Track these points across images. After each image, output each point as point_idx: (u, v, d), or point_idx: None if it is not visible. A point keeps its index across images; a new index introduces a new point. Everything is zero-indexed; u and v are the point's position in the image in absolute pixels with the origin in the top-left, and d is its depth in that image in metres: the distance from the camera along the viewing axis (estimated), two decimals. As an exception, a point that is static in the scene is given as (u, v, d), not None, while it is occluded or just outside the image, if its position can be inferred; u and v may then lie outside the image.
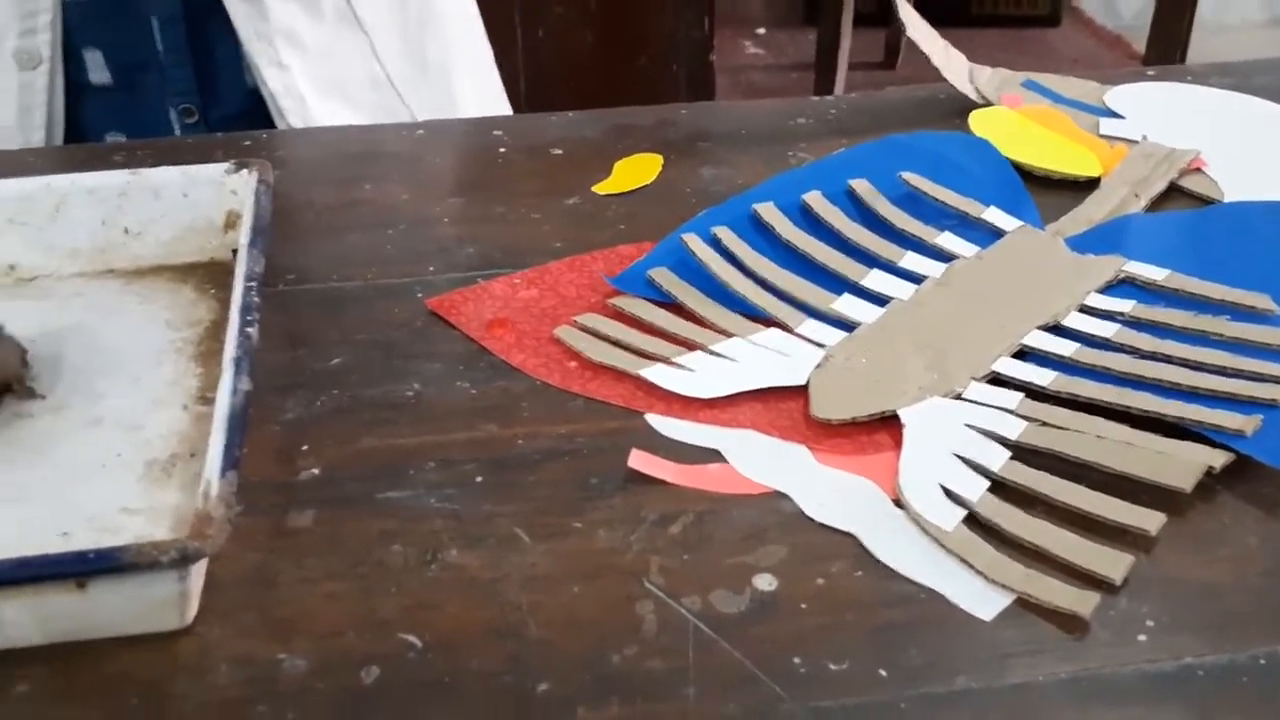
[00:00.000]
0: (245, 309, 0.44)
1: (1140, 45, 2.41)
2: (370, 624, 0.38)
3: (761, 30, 2.45)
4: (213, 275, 0.54)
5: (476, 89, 0.84)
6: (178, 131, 0.72)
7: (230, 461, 0.37)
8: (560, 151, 0.67)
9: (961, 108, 0.70)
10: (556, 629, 0.37)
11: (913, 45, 2.40)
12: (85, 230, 0.53)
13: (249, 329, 0.43)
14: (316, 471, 0.44)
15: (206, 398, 0.46)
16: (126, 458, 0.43)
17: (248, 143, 0.66)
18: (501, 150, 0.67)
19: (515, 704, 0.35)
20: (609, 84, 1.25)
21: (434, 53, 0.79)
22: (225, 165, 0.54)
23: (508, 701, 0.35)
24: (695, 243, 0.55)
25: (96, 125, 0.71)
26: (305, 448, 0.45)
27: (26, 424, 0.45)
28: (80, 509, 0.41)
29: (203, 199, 0.54)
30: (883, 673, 0.36)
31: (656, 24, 1.28)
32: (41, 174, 0.54)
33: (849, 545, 0.40)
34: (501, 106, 0.88)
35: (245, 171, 0.53)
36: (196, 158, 0.63)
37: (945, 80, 0.71)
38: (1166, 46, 1.86)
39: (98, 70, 0.69)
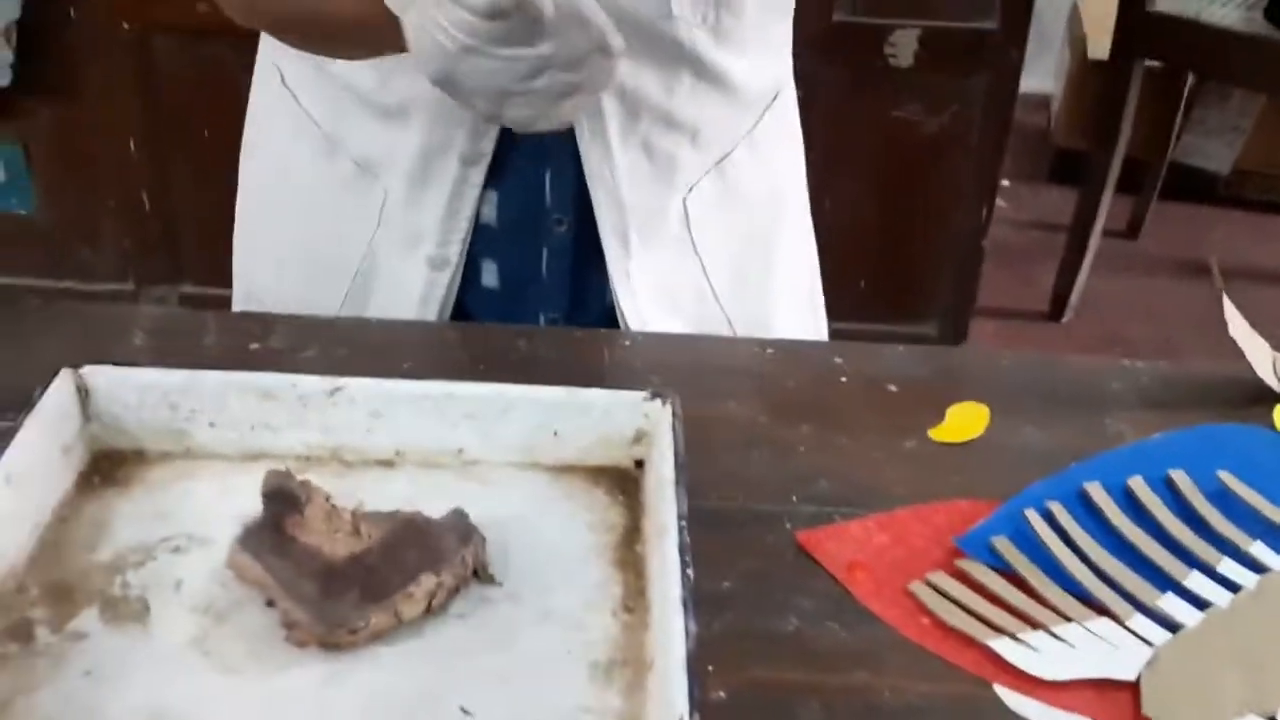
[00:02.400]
0: (682, 548, 0.54)
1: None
2: None
3: (1006, 183, 2.51)
4: (618, 481, 0.64)
5: (793, 302, 0.92)
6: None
7: (694, 703, 0.46)
8: (895, 389, 0.76)
9: (1264, 392, 0.77)
10: None
11: (1157, 218, 2.42)
12: (523, 429, 0.64)
13: (688, 570, 0.53)
14: (723, 695, 0.53)
15: (628, 607, 0.56)
16: (574, 655, 0.53)
17: (627, 343, 0.78)
18: (842, 380, 0.76)
19: None
20: (884, 253, 1.34)
21: (755, 270, 0.88)
22: (644, 394, 0.64)
23: None
24: (1034, 518, 0.63)
25: (477, 318, 0.83)
26: (711, 669, 0.54)
27: (491, 609, 0.56)
28: (545, 700, 0.51)
29: (620, 417, 0.64)
30: None
31: (937, 208, 1.36)
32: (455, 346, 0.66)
33: None
34: (816, 319, 0.95)
35: (659, 401, 0.64)
36: (581, 346, 0.75)
37: (1243, 356, 0.77)
38: None
39: (490, 276, 0.81)
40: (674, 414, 0.63)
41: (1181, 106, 2.30)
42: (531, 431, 0.65)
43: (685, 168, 0.80)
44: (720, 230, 0.85)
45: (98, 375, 0.63)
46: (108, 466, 0.63)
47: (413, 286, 0.80)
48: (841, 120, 1.36)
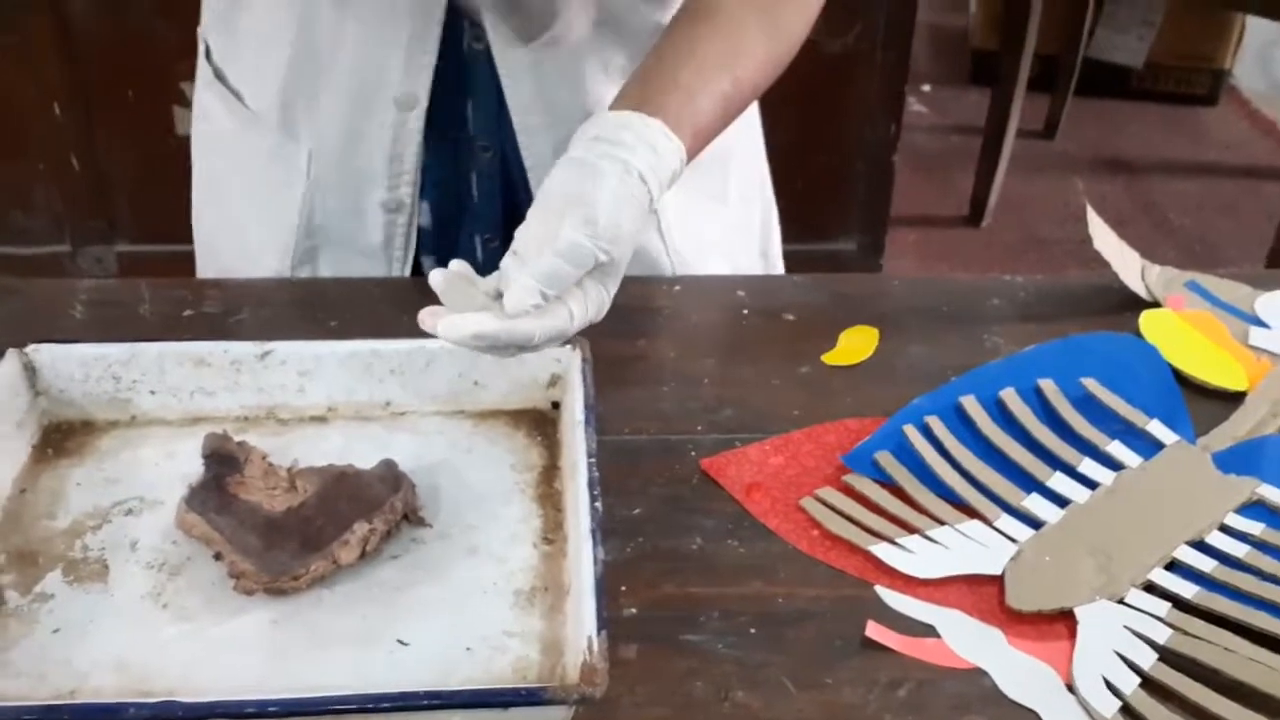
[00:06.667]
0: (591, 484, 0.60)
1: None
2: (687, 746, 0.53)
3: (927, 87, 2.56)
4: (537, 423, 0.70)
5: (741, 259, 0.95)
6: (479, 254, 0.87)
7: (602, 621, 0.52)
8: (792, 317, 0.82)
9: (1133, 299, 0.83)
10: (819, 765, 0.53)
11: (1073, 118, 2.48)
12: (445, 380, 0.70)
13: (596, 503, 0.58)
14: (634, 610, 0.59)
15: (548, 538, 0.62)
16: (499, 586, 0.59)
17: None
18: (744, 312, 0.82)
19: (794, 821, 0.50)
20: (794, 174, 1.39)
21: (699, 221, 0.89)
22: (555, 341, 0.69)
23: (789, 818, 0.50)
24: (912, 434, 0.69)
25: (421, 250, 0.87)
26: (624, 588, 0.60)
27: (422, 549, 0.62)
28: (473, 628, 0.57)
29: (534, 363, 0.70)
30: (1054, 828, 0.50)
31: (845, 125, 1.41)
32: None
33: (1033, 720, 0.55)
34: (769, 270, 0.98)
35: (569, 347, 0.69)
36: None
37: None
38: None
39: (424, 216, 0.85)
40: (584, 359, 0.68)
41: (1092, 2, 2.35)
42: (453, 382, 0.70)
43: None
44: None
45: (42, 352, 0.68)
46: (59, 438, 0.68)
47: (374, 229, 0.84)
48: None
